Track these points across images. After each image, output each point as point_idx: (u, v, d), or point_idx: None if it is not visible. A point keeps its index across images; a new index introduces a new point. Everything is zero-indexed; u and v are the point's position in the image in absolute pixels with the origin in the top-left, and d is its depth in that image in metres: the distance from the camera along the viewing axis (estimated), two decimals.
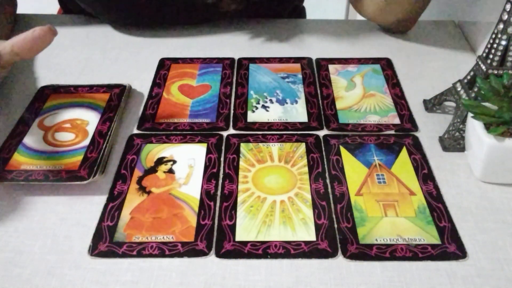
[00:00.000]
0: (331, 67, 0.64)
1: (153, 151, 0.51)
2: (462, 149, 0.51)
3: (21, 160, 0.49)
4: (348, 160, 0.50)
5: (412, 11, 0.66)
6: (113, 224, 0.44)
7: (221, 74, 0.63)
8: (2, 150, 0.50)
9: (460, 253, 0.41)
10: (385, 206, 0.45)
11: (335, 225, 0.43)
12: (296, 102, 0.58)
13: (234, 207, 0.45)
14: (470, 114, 0.47)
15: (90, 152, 0.50)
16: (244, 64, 0.65)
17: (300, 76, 0.63)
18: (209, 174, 0.49)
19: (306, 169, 0.49)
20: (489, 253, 0.41)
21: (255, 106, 0.58)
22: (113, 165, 0.50)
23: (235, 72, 0.64)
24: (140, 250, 0.42)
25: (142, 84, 0.62)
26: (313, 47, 0.69)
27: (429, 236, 0.42)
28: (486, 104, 0.46)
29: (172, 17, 0.72)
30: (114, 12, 0.70)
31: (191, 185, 0.48)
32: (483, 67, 0.49)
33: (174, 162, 0.50)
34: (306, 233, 0.43)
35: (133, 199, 0.46)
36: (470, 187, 0.47)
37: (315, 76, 0.63)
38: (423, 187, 0.47)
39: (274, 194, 0.47)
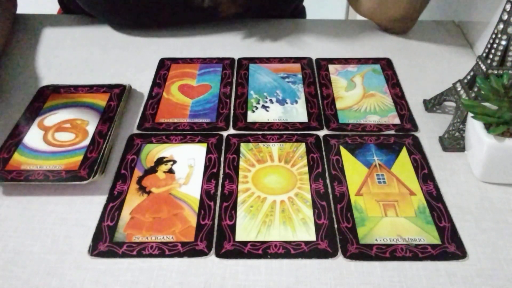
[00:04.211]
0: (331, 67, 0.64)
1: (153, 151, 0.51)
2: (462, 149, 0.51)
3: (21, 160, 0.49)
4: (348, 160, 0.50)
5: (410, 10, 0.66)
6: (113, 224, 0.44)
7: (221, 74, 0.63)
8: (2, 150, 0.50)
9: (460, 253, 0.41)
10: (385, 206, 0.45)
11: (335, 225, 0.43)
12: (296, 102, 0.58)
13: (234, 207, 0.45)
14: (470, 114, 0.47)
15: (90, 152, 0.50)
16: (244, 64, 0.65)
17: (300, 76, 0.63)
18: (209, 174, 0.49)
19: (306, 169, 0.49)
20: (489, 253, 0.41)
21: (255, 106, 0.58)
22: (113, 165, 0.50)
23: (235, 72, 0.64)
24: (140, 250, 0.42)
25: (142, 84, 0.62)
26: (313, 47, 0.69)
27: (429, 236, 0.42)
28: (486, 104, 0.46)
29: (172, 19, 0.72)
30: (113, 13, 0.70)
31: (191, 185, 0.48)
32: (483, 67, 0.49)
33: (174, 162, 0.50)
34: (306, 233, 0.43)
35: (133, 199, 0.46)
36: (470, 187, 0.47)
37: (315, 76, 0.63)
38: (423, 187, 0.47)
39: (274, 194, 0.47)
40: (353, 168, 0.49)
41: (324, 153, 0.51)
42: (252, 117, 0.56)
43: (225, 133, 0.54)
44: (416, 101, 0.58)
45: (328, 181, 0.48)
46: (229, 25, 0.74)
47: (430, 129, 0.54)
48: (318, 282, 0.39)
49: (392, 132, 0.54)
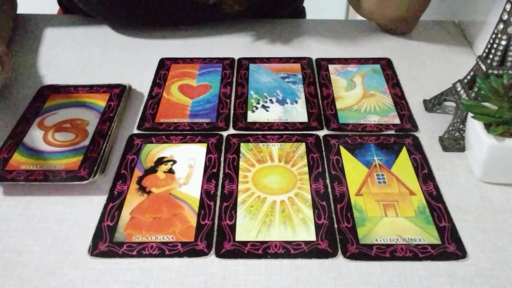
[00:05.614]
0: (331, 67, 0.64)
1: (153, 151, 0.51)
2: (462, 149, 0.51)
3: (21, 160, 0.49)
4: (348, 160, 0.50)
5: (410, 10, 0.66)
6: (113, 224, 0.44)
7: (221, 74, 0.63)
8: (2, 150, 0.50)
9: (460, 253, 0.41)
10: (385, 206, 0.45)
11: (335, 225, 0.43)
12: (296, 102, 0.58)
13: (234, 207, 0.45)
14: (470, 114, 0.47)
15: (90, 152, 0.50)
16: (244, 64, 0.65)
17: (300, 76, 0.63)
18: (209, 174, 0.49)
19: (306, 169, 0.49)
20: (489, 253, 0.41)
21: (255, 106, 0.58)
22: (113, 165, 0.50)
23: (235, 72, 0.64)
24: (140, 250, 0.42)
25: (142, 84, 0.62)
26: (313, 47, 0.69)
27: (429, 236, 0.42)
28: (486, 104, 0.46)
29: (174, 18, 0.72)
30: (113, 13, 0.70)
31: (191, 185, 0.48)
32: (483, 67, 0.49)
33: (174, 162, 0.50)
34: (306, 233, 0.43)
35: (133, 199, 0.46)
36: (470, 187, 0.47)
37: (315, 76, 0.63)
38: (423, 187, 0.47)
39: (274, 194, 0.47)
40: (353, 168, 0.49)
41: (324, 153, 0.51)
42: (252, 117, 0.56)
43: (225, 133, 0.54)
44: (416, 101, 0.58)
45: (328, 181, 0.48)
46: (229, 25, 0.74)
47: (430, 129, 0.54)
48: (318, 282, 0.39)
49: (392, 132, 0.54)
